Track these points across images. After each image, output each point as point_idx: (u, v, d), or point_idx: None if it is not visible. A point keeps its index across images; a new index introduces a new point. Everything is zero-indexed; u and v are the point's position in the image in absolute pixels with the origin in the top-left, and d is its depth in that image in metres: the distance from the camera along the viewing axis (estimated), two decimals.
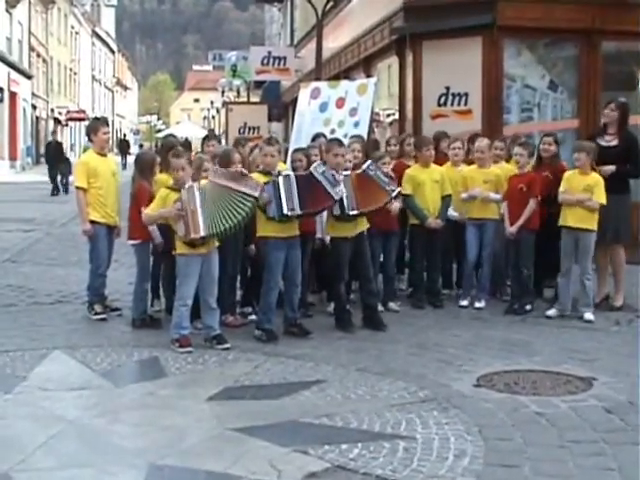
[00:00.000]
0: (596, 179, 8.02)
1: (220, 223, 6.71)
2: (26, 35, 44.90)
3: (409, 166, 8.77)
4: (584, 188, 8.00)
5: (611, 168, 8.25)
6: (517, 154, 8.42)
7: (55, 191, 25.58)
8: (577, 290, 8.24)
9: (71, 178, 24.90)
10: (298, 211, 7.11)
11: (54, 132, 30.98)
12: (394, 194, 7.65)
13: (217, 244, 6.98)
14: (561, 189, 8.13)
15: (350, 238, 7.63)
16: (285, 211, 7.04)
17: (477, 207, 8.64)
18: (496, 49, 12.43)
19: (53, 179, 25.91)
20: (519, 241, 8.29)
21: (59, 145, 28.27)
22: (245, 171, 7.07)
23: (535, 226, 8.29)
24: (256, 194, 6.80)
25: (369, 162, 7.75)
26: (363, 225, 7.74)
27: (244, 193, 6.76)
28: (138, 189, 7.75)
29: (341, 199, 7.33)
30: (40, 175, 30.98)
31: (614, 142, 8.52)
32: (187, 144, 9.06)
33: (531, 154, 8.48)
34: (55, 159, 26.35)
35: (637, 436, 4.81)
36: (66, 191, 25.32)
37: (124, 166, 38.71)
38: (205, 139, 9.45)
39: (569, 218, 8.05)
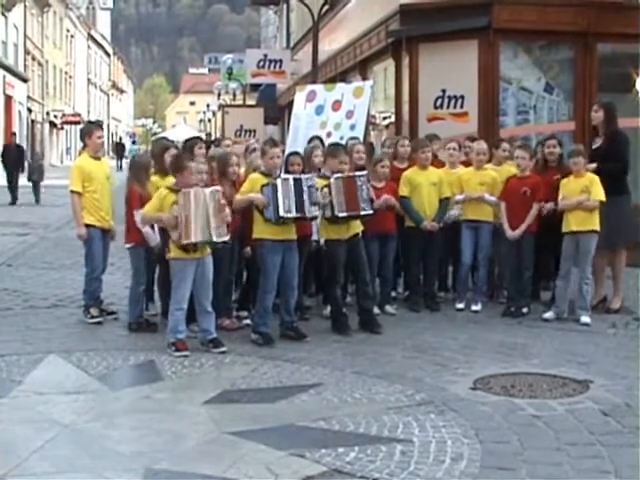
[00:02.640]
0: (591, 178, 8.01)
1: (210, 233, 6.71)
2: (21, 38, 44.85)
3: (403, 168, 8.76)
4: (581, 190, 7.98)
5: (592, 166, 8.16)
6: (518, 157, 8.37)
7: (14, 200, 22.36)
8: (574, 293, 8.24)
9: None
10: (294, 213, 7.11)
11: (13, 134, 27.12)
12: (362, 213, 7.57)
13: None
14: (560, 197, 8.09)
15: (344, 240, 7.62)
16: (281, 213, 7.04)
17: (472, 209, 8.62)
18: (492, 52, 12.42)
19: (10, 188, 22.51)
20: (520, 243, 8.27)
21: (19, 149, 24.79)
22: (229, 219, 6.94)
23: (535, 228, 8.28)
24: (214, 240, 6.73)
25: (364, 172, 7.75)
26: (357, 227, 7.73)
27: (211, 231, 6.71)
28: (129, 192, 7.74)
29: (331, 201, 7.36)
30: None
31: (599, 143, 8.49)
32: (189, 148, 8.93)
33: (531, 156, 8.45)
34: (14, 165, 22.80)
35: (634, 438, 4.81)
36: (37, 200, 22.81)
37: (120, 168, 38.71)
38: (190, 142, 8.46)
39: (572, 222, 8.00)
